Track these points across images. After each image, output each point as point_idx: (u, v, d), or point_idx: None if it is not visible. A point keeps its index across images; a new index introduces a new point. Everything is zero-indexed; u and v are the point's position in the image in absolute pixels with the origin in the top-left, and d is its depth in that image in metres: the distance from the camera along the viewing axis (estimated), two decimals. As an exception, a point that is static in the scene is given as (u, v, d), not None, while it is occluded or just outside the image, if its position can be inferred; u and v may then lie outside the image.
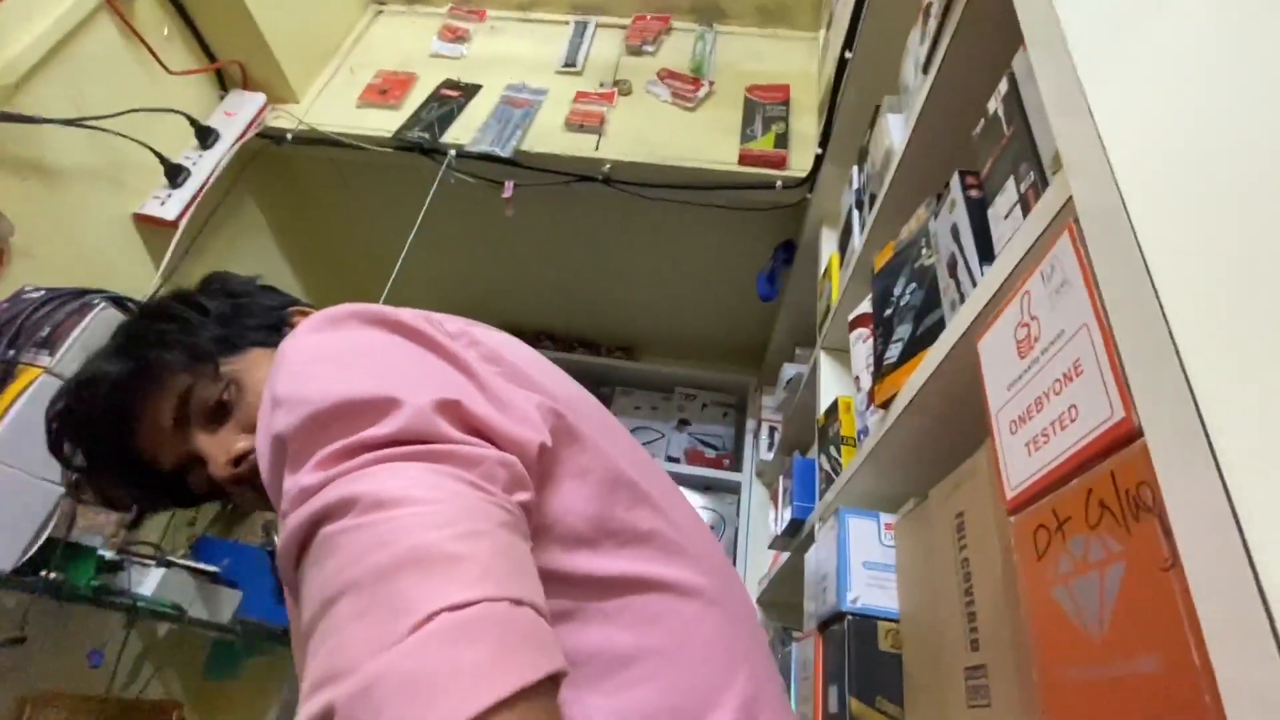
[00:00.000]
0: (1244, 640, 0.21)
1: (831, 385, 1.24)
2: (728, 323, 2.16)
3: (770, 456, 1.90)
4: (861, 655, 0.73)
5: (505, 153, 1.57)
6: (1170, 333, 0.27)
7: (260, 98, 1.67)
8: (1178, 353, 0.27)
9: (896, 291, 0.80)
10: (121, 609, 1.10)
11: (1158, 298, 0.28)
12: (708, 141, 1.56)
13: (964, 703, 0.54)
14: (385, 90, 1.74)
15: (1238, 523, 0.22)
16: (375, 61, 1.84)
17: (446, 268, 2.05)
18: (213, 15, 1.55)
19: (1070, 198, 0.38)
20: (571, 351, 2.32)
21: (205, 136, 1.55)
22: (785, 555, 1.46)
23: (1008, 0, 0.48)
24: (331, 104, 1.74)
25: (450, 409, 0.42)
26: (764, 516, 1.96)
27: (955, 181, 0.67)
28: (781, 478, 1.54)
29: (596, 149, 1.57)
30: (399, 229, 1.56)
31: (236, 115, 1.62)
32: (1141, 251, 0.30)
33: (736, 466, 2.20)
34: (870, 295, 0.95)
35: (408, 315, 0.50)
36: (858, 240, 1.10)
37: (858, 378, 0.94)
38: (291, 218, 1.94)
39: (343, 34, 1.89)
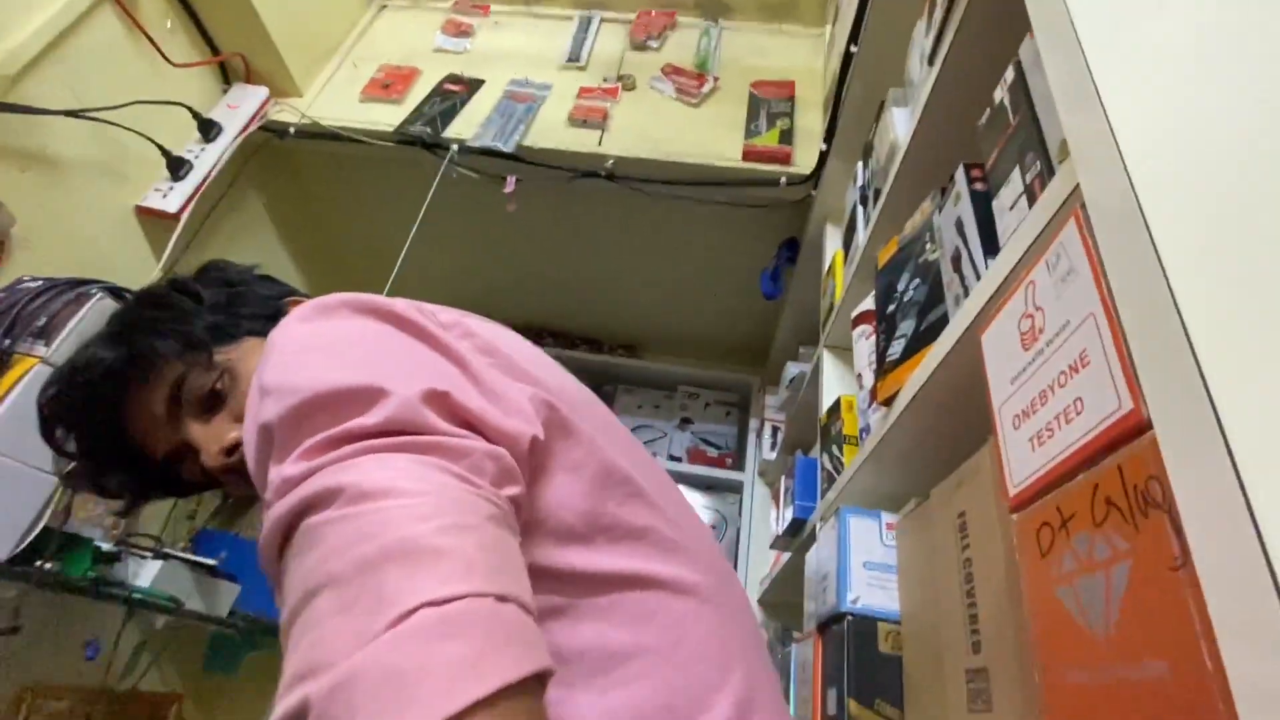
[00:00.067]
0: (1259, 641, 0.20)
1: (834, 383, 1.23)
2: (731, 321, 2.15)
3: (773, 456, 1.89)
4: (861, 656, 0.72)
5: (508, 148, 1.56)
6: (1182, 321, 0.26)
7: (263, 91, 1.66)
8: (1190, 342, 0.25)
9: (900, 287, 0.79)
10: (118, 601, 1.10)
11: (1169, 285, 0.27)
12: (712, 137, 1.55)
13: (965, 706, 0.52)
14: (388, 84, 1.74)
15: (1253, 518, 0.21)
16: (378, 55, 1.83)
17: (448, 263, 2.04)
18: (216, 7, 1.55)
19: (1077, 185, 0.36)
20: (574, 349, 2.31)
21: (208, 129, 1.55)
22: (787, 555, 1.44)
23: (1015, -14, 0.46)
24: (334, 98, 1.74)
25: (439, 400, 0.42)
26: (766, 516, 1.95)
27: (960, 174, 0.65)
28: (784, 477, 1.53)
29: (600, 144, 1.56)
30: (401, 224, 1.55)
31: (239, 108, 1.62)
32: (1152, 238, 0.28)
33: (739, 466, 2.19)
34: (874, 292, 0.94)
35: (400, 305, 0.49)
36: (862, 236, 1.09)
37: (860, 375, 0.93)
38: (293, 212, 1.94)
39: (346, 28, 1.89)
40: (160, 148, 1.44)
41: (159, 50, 1.45)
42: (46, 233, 1.27)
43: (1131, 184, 0.30)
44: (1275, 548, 0.20)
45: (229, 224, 1.70)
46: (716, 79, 1.66)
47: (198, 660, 1.73)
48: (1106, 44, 0.37)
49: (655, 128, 1.59)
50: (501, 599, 0.32)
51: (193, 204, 1.50)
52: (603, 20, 1.88)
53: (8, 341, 0.91)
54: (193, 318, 0.63)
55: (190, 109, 1.50)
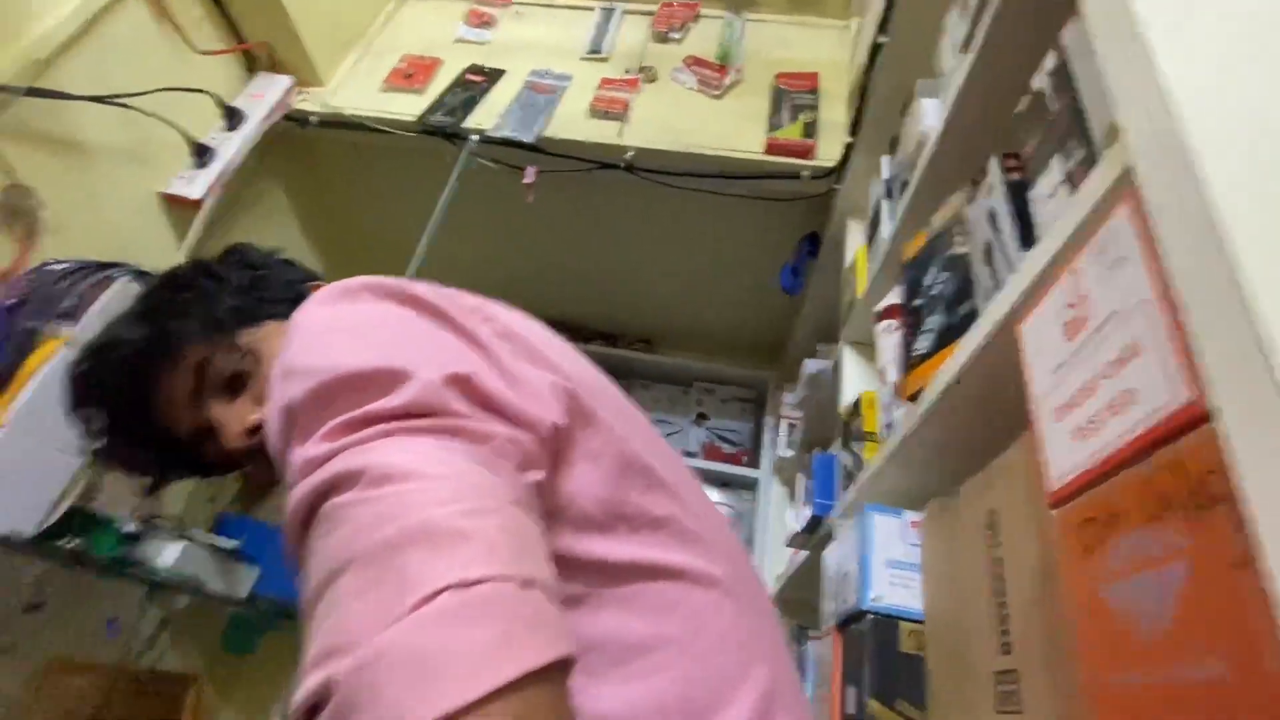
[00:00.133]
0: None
1: (855, 380, 1.21)
2: (748, 317, 2.13)
3: (790, 454, 1.87)
4: (882, 656, 0.70)
5: (528, 138, 1.55)
6: (1249, 308, 0.24)
7: (287, 80, 1.67)
8: (1256, 327, 0.24)
9: (927, 281, 0.77)
10: (140, 580, 1.11)
11: (1234, 270, 0.25)
12: (734, 130, 1.53)
13: (993, 708, 0.51)
14: (410, 74, 1.74)
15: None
16: (401, 45, 1.83)
17: (467, 255, 2.04)
18: (242, -4, 1.56)
19: (1128, 169, 0.35)
20: (590, 342, 2.30)
21: (232, 117, 1.56)
22: (803, 553, 1.43)
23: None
24: (356, 88, 1.74)
25: (462, 383, 0.41)
26: (782, 514, 1.93)
27: (994, 164, 0.64)
28: (801, 475, 1.52)
29: (620, 136, 1.55)
30: (420, 215, 1.55)
31: (263, 97, 1.63)
32: (1215, 223, 0.27)
33: (754, 463, 2.17)
34: (899, 286, 0.92)
35: (422, 289, 0.49)
36: (886, 230, 1.07)
37: (884, 371, 0.91)
38: (313, 201, 1.95)
39: (370, 17, 1.89)
40: (185, 134, 1.45)
41: (185, 38, 1.46)
42: (74, 217, 1.29)
43: (1191, 163, 0.29)
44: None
45: (250, 212, 1.72)
46: (739, 71, 1.64)
47: (216, 641, 1.75)
48: (1168, 24, 0.35)
49: (676, 119, 1.57)
50: (526, 583, 0.31)
51: (216, 191, 1.51)
52: (625, 11, 1.86)
53: (35, 322, 0.93)
54: (217, 300, 0.63)
55: (215, 97, 1.52)
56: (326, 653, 0.29)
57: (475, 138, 1.58)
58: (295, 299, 0.67)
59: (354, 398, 0.39)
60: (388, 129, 1.63)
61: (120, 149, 1.39)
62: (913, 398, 0.75)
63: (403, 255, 1.54)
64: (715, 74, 1.63)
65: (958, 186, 0.78)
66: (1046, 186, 0.50)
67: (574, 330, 2.30)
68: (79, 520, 0.99)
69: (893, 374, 0.87)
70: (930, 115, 0.90)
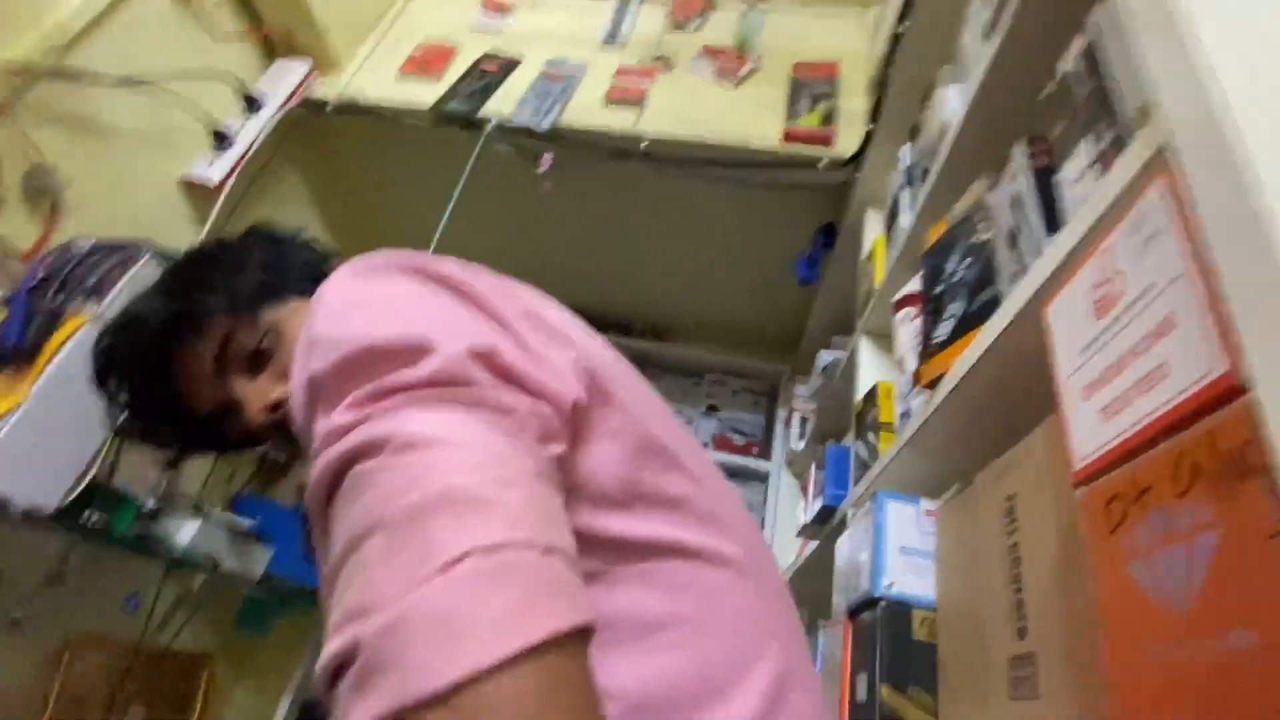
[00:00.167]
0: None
1: (871, 370, 1.20)
2: (763, 309, 2.12)
3: (801, 446, 1.87)
4: (895, 642, 0.70)
5: (544, 127, 1.55)
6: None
7: (304, 66, 1.68)
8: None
9: (949, 268, 0.77)
10: (158, 557, 1.13)
11: (1271, 241, 0.25)
12: (751, 119, 1.52)
13: (1007, 694, 0.51)
14: (426, 62, 1.74)
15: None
16: (417, 32, 1.84)
17: (482, 243, 2.04)
18: (261, -19, 1.57)
19: (1163, 147, 0.34)
20: (603, 332, 2.29)
21: (250, 103, 1.57)
22: (812, 545, 1.43)
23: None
24: (373, 75, 1.75)
25: (485, 357, 0.41)
26: (792, 506, 1.93)
27: (1019, 149, 0.63)
28: (813, 467, 1.51)
29: (636, 125, 1.55)
30: (435, 203, 1.56)
31: (281, 83, 1.64)
32: (1251, 197, 0.27)
33: (765, 455, 2.17)
34: (919, 275, 0.91)
35: (444, 265, 0.49)
36: (906, 219, 1.06)
37: (902, 359, 0.91)
38: (330, 187, 1.96)
39: (386, 4, 1.90)
40: (205, 120, 1.46)
41: (205, 23, 1.47)
42: (95, 199, 1.30)
43: (1231, 142, 0.28)
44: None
45: (268, 197, 1.73)
46: (757, 60, 1.63)
47: (230, 620, 1.78)
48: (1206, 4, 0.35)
49: (693, 109, 1.56)
50: (548, 550, 0.32)
51: (234, 176, 1.52)
52: (641, 0, 1.85)
53: (60, 299, 0.94)
54: (240, 276, 0.64)
55: (234, 82, 1.53)
56: (352, 614, 0.29)
57: (491, 126, 1.58)
58: (316, 278, 0.67)
59: (378, 368, 0.39)
60: (403, 116, 1.64)
61: (141, 133, 1.40)
62: (931, 385, 0.75)
63: (418, 243, 1.54)
64: (733, 63, 1.62)
65: (980, 174, 0.78)
66: (1074, 170, 0.50)
67: (586, 319, 2.30)
68: (100, 496, 1.01)
69: (911, 362, 0.87)
70: (952, 102, 0.89)
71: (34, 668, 1.26)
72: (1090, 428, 0.35)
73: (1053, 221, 0.56)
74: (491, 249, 2.13)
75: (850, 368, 1.32)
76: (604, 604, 0.44)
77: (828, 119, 1.47)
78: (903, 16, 1.14)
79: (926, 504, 0.80)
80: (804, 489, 1.67)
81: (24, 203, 1.19)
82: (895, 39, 1.17)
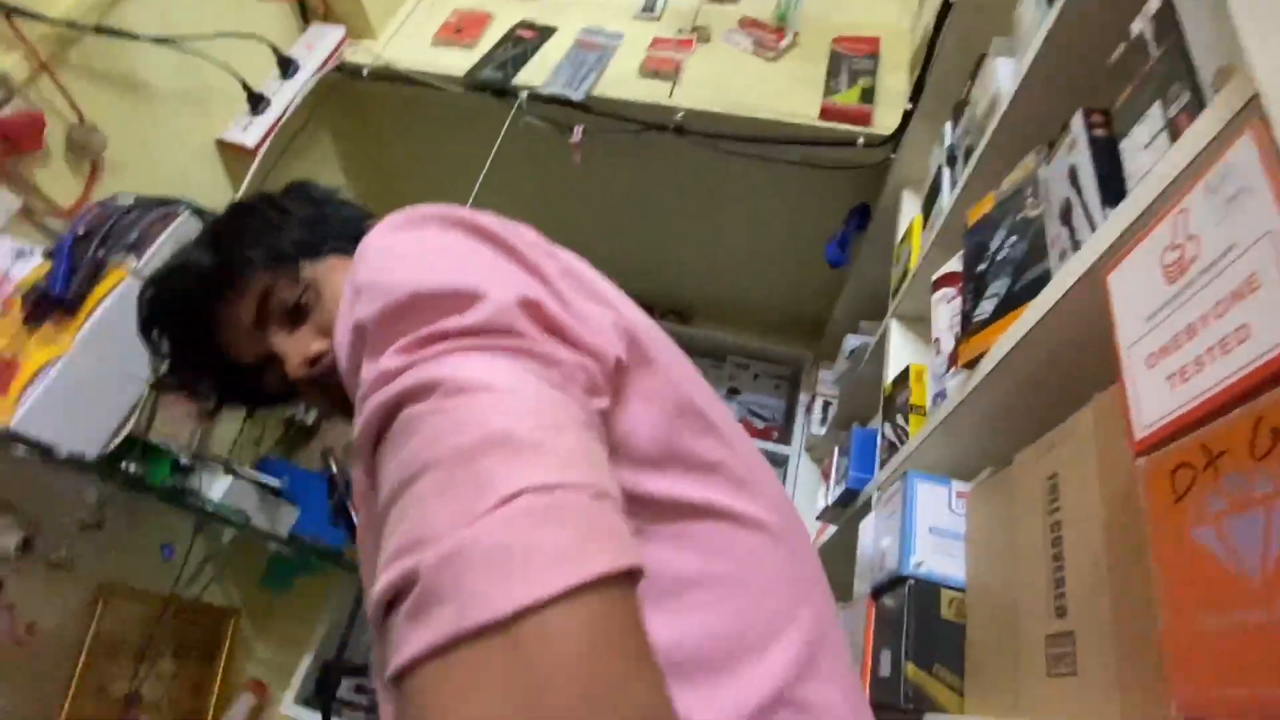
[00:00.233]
0: None
1: (902, 353, 1.18)
2: (789, 292, 2.10)
3: (823, 431, 1.85)
4: (922, 621, 0.70)
5: (578, 96, 1.54)
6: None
7: (340, 31, 1.68)
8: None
9: (994, 245, 0.75)
10: (191, 510, 1.16)
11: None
12: (788, 94, 1.49)
13: (1043, 671, 0.50)
14: (460, 29, 1.73)
15: None
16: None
17: (509, 214, 2.04)
18: (299, -56, 1.56)
19: (1251, 98, 0.33)
20: (626, 310, 2.29)
21: (286, 66, 1.57)
22: (831, 530, 1.42)
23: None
24: (407, 41, 1.74)
25: (532, 308, 0.41)
26: (811, 491, 1.92)
27: (1078, 120, 0.61)
28: (836, 451, 1.50)
29: (670, 97, 1.52)
30: (466, 171, 1.55)
31: (316, 47, 1.64)
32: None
33: (785, 439, 2.16)
34: (958, 254, 0.89)
35: (487, 219, 0.49)
36: (947, 199, 1.04)
37: (938, 339, 0.89)
38: (361, 154, 1.97)
39: (423, -29, 1.88)
40: (242, 82, 1.47)
41: (244, -17, 1.47)
42: (134, 158, 1.32)
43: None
44: None
45: (301, 162, 1.74)
46: (796, 34, 1.60)
47: (255, 578, 1.83)
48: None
49: (729, 82, 1.54)
50: (599, 495, 0.32)
51: (269, 139, 1.53)
52: (679, -29, 1.82)
53: (102, 253, 0.96)
54: (282, 231, 0.64)
55: (271, 45, 1.53)
56: (407, 547, 0.30)
57: (524, 95, 1.57)
58: (354, 236, 0.68)
59: (427, 315, 0.39)
60: (436, 84, 1.63)
61: (179, 93, 1.41)
62: (970, 365, 0.73)
63: (448, 211, 1.55)
64: (771, 36, 1.59)
65: (1030, 148, 0.75)
66: (1143, 135, 0.48)
67: (611, 297, 2.29)
68: (138, 448, 1.03)
69: (948, 342, 0.85)
70: (1004, 75, 0.86)
71: (72, 611, 1.31)
72: (1155, 396, 0.34)
73: (1110, 194, 0.54)
74: (519, 220, 2.13)
75: (880, 351, 1.30)
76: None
77: (867, 96, 1.43)
78: (953, -13, 1.11)
79: (959, 486, 0.79)
80: (824, 474, 1.66)
81: (66, 159, 1.21)
82: (944, 9, 1.13)
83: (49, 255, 0.98)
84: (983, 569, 0.68)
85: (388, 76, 1.66)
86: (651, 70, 1.57)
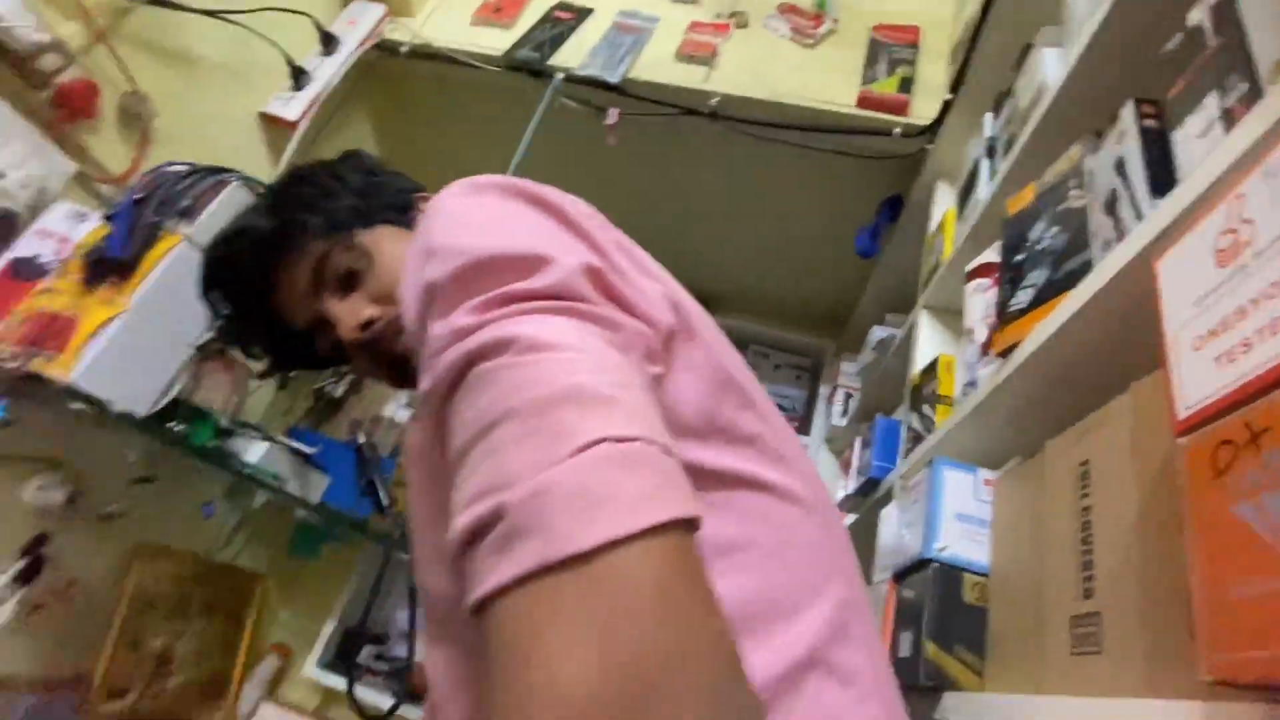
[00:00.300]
0: None
1: (931, 344, 1.19)
2: (814, 283, 2.09)
3: (844, 422, 1.86)
4: (944, 602, 0.71)
5: (614, 78, 1.54)
6: None
7: (380, 8, 1.70)
8: None
9: (1033, 235, 0.75)
10: (230, 472, 1.20)
11: None
12: (825, 81, 1.48)
13: (1067, 650, 0.51)
14: (499, 8, 1.74)
15: None
16: (492, -21, 1.83)
17: (539, 197, 2.06)
18: (344, -80, 1.57)
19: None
20: (650, 295, 2.30)
21: (328, 42, 1.60)
22: (849, 520, 1.43)
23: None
24: (446, 19, 1.76)
25: (595, 275, 0.43)
26: (829, 483, 1.93)
27: (1128, 110, 0.61)
28: (857, 443, 1.51)
29: (706, 81, 1.52)
30: (502, 151, 1.57)
31: (358, 23, 1.66)
32: None
33: (805, 430, 2.16)
34: (994, 245, 0.89)
35: (545, 190, 0.51)
36: (985, 190, 1.04)
37: (971, 329, 0.90)
38: (399, 131, 1.99)
39: (463, -51, 1.89)
40: (286, 56, 1.50)
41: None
42: (180, 128, 1.35)
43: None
44: None
45: (339, 138, 1.76)
46: (835, 21, 1.59)
47: (282, 545, 1.88)
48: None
49: (766, 67, 1.53)
50: (666, 450, 0.33)
51: (310, 114, 1.56)
52: (719, -45, 1.81)
53: (157, 218, 0.99)
54: (337, 199, 0.66)
55: (314, 20, 1.55)
56: (490, 487, 0.31)
57: (560, 76, 1.58)
58: (405, 206, 0.70)
59: (498, 278, 0.40)
60: (474, 63, 1.64)
61: (226, 66, 1.44)
62: (1004, 354, 0.74)
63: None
64: (810, 22, 1.58)
65: (1073, 140, 0.75)
66: (1197, 125, 0.48)
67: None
68: (184, 410, 1.07)
69: (981, 332, 0.85)
70: (1051, 65, 0.85)
71: (114, 564, 1.37)
72: (1201, 377, 0.35)
73: (1159, 184, 0.54)
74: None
75: (908, 342, 1.31)
76: None
77: (905, 85, 1.42)
78: (1000, -24, 1.09)
79: (986, 474, 0.80)
80: (844, 465, 1.67)
81: (118, 128, 1.24)
82: (988, 2, 1.12)
83: (108, 218, 1.01)
84: (1008, 553, 0.69)
85: (426, 55, 1.68)
86: (688, 54, 1.57)
